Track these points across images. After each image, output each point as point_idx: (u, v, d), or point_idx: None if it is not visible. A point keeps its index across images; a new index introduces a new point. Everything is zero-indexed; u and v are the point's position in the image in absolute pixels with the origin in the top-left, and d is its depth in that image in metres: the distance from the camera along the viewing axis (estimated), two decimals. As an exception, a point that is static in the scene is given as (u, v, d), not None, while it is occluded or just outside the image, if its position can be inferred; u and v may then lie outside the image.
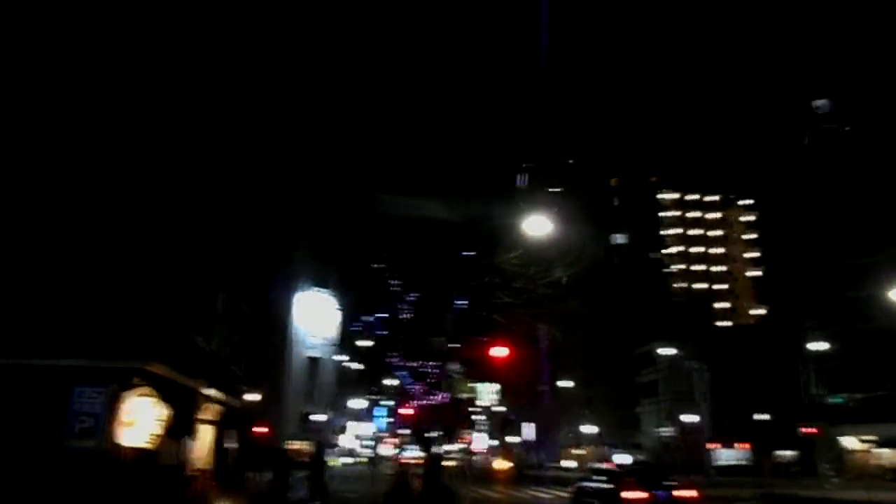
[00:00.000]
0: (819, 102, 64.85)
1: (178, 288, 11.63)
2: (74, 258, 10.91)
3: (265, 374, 63.48)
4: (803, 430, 51.53)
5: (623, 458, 55.28)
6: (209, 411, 14.63)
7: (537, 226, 16.57)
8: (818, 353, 51.12)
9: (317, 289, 75.37)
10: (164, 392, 10.12)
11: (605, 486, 17.94)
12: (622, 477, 17.47)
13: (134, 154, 11.35)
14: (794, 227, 71.75)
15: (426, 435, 18.12)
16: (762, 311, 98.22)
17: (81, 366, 9.93)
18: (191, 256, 12.69)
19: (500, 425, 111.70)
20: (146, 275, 10.74)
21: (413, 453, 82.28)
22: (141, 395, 9.51)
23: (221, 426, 16.28)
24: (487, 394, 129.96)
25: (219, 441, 16.28)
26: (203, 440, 14.90)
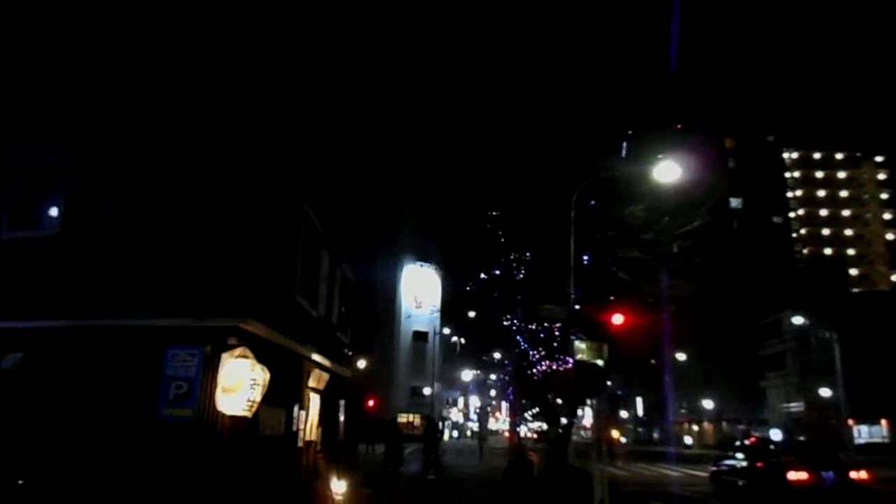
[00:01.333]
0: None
1: (277, 242, 10.43)
2: (163, 205, 9.89)
3: (373, 345, 64.24)
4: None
5: (775, 434, 52.06)
6: (317, 379, 13.54)
7: (668, 172, 14.97)
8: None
9: (421, 263, 75.58)
10: (265, 355, 8.94)
11: (757, 465, 15.63)
12: (779, 455, 15.09)
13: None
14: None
15: (550, 406, 16.70)
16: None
17: (174, 326, 8.87)
18: (292, 209, 11.51)
19: (608, 400, 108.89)
20: (242, 227, 9.55)
21: (528, 427, 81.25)
22: (238, 356, 8.31)
23: (330, 396, 15.23)
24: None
25: (328, 411, 15.26)
26: (312, 410, 13.86)
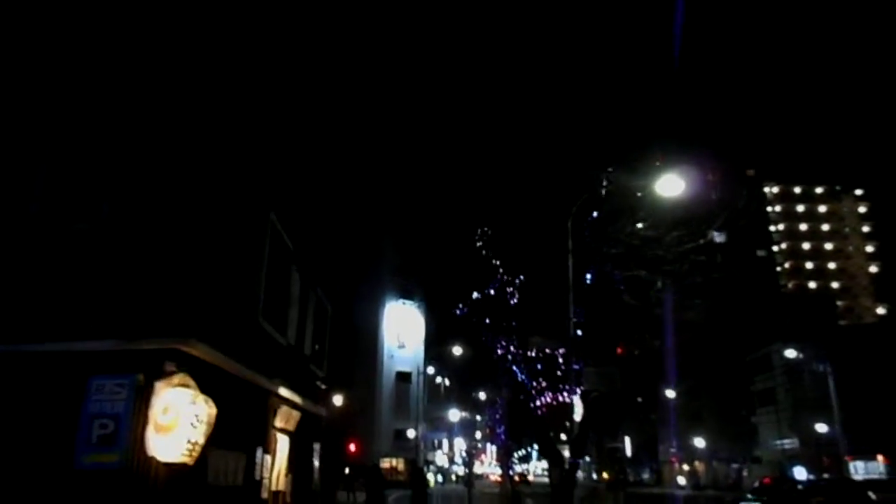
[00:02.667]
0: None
1: (235, 252, 8.77)
2: (89, 201, 8.21)
3: (354, 386, 61.88)
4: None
5: (799, 473, 50.66)
6: (286, 419, 11.72)
7: (670, 186, 13.87)
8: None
9: (404, 301, 73.64)
10: (216, 387, 7.22)
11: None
12: (808, 497, 13.40)
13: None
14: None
15: (553, 444, 14.92)
16: (882, 311, 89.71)
17: (99, 350, 7.10)
18: (255, 216, 9.90)
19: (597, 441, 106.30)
20: (190, 231, 7.88)
21: (512, 469, 78.29)
22: (177, 384, 6.55)
23: (302, 438, 13.36)
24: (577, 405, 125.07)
25: (299, 456, 13.37)
26: (280, 454, 11.99)
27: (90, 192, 8.26)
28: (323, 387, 16.10)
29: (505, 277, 15.43)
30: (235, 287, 9.30)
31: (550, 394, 13.21)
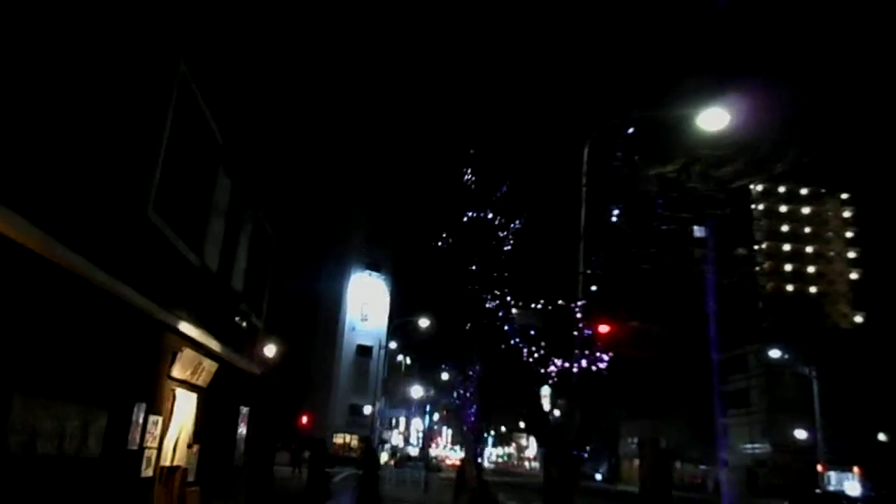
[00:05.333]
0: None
1: (96, 87, 5.22)
2: None
3: (312, 357, 58.49)
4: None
5: (851, 488, 48.23)
6: (192, 368, 8.24)
7: (714, 119, 11.38)
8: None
9: (370, 272, 70.11)
10: (28, 292, 3.62)
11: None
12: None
13: None
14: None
15: (550, 428, 12.26)
16: (859, 319, 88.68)
17: None
18: (151, 58, 6.35)
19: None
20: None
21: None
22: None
23: (219, 398, 9.90)
24: (543, 396, 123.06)
25: (214, 421, 9.92)
26: (180, 417, 8.51)
27: None
28: (257, 338, 12.65)
29: (497, 219, 12.12)
30: (105, 149, 5.79)
31: (558, 360, 10.01)
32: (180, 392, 8.60)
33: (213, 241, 9.23)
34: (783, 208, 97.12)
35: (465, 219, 11.11)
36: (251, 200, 11.10)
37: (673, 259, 12.97)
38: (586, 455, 10.91)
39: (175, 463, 8.67)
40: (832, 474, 52.01)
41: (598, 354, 9.77)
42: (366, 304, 68.15)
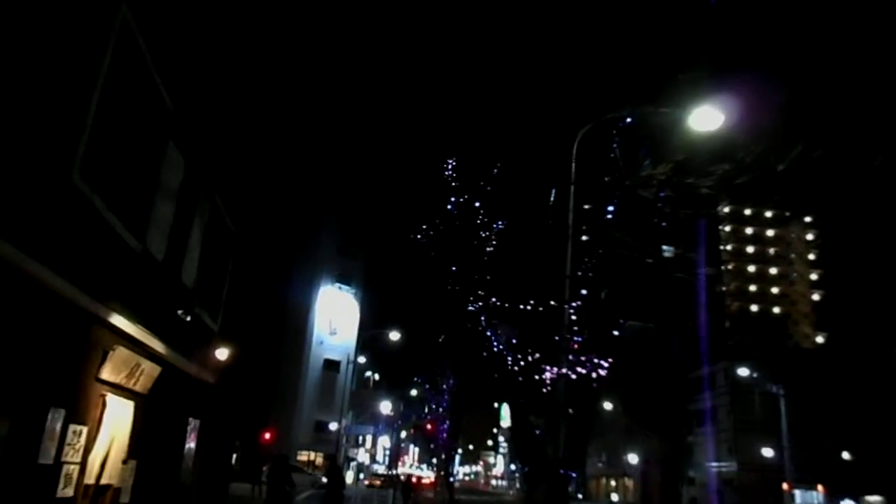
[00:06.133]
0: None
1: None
2: None
3: (280, 373, 56.72)
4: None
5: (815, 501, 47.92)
6: (127, 371, 7.04)
7: (706, 119, 10.60)
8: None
9: (340, 285, 68.51)
10: None
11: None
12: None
13: None
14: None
15: (537, 444, 11.30)
16: (821, 340, 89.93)
17: None
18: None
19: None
20: None
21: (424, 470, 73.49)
22: None
23: (163, 407, 8.66)
24: (510, 414, 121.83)
25: (156, 433, 8.66)
26: (111, 427, 7.28)
27: None
28: (214, 341, 11.42)
29: (478, 219, 11.20)
30: (18, 95, 4.67)
31: (553, 368, 9.04)
32: (113, 398, 7.40)
33: (159, 224, 8.09)
34: (749, 230, 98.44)
35: (449, 206, 10.15)
36: (208, 185, 9.95)
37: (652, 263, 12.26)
38: (574, 475, 9.88)
39: (105, 481, 7.46)
40: (797, 492, 52.03)
41: (596, 361, 8.85)
42: (335, 317, 66.59)
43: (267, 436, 44.96)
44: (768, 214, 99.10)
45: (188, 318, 9.52)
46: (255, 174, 13.87)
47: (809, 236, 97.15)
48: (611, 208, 9.96)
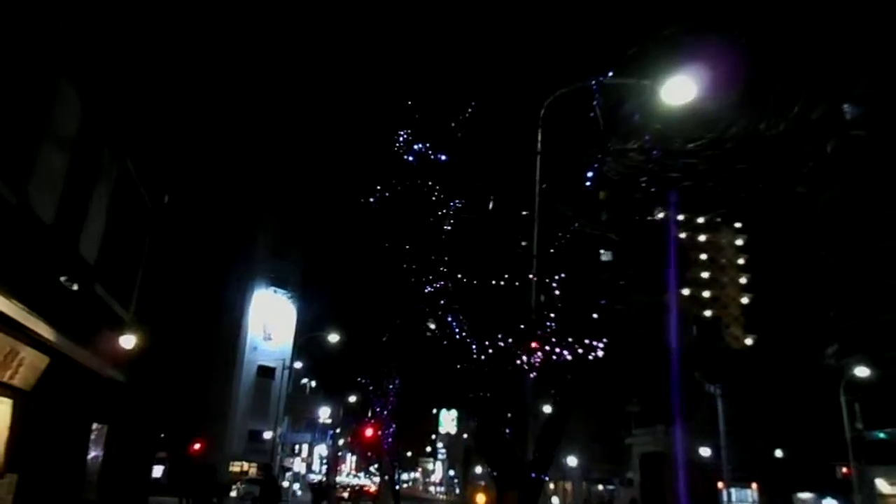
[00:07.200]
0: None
1: None
2: None
3: (210, 380, 53.95)
4: (844, 470, 44.50)
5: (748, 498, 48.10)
6: (2, 361, 5.38)
7: (679, 91, 9.63)
8: (856, 382, 44.18)
9: (275, 289, 65.95)
10: None
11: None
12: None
13: None
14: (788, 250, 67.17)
15: (508, 446, 10.20)
16: (750, 342, 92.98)
17: None
18: None
19: (464, 455, 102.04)
20: None
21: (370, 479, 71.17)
22: None
23: (55, 408, 6.99)
24: (448, 420, 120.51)
25: (42, 439, 6.97)
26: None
27: None
28: (123, 332, 9.72)
29: (434, 196, 9.94)
30: None
31: (541, 355, 7.87)
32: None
33: (46, 178, 6.52)
34: (682, 235, 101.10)
35: (411, 157, 8.86)
36: (114, 140, 8.34)
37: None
38: (547, 478, 8.75)
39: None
40: (732, 490, 52.95)
41: (588, 342, 7.72)
42: (269, 321, 64.11)
43: (197, 446, 42.56)
44: (700, 220, 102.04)
45: (74, 287, 7.78)
46: (178, 145, 12.27)
47: (739, 241, 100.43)
48: (590, 174, 8.91)
